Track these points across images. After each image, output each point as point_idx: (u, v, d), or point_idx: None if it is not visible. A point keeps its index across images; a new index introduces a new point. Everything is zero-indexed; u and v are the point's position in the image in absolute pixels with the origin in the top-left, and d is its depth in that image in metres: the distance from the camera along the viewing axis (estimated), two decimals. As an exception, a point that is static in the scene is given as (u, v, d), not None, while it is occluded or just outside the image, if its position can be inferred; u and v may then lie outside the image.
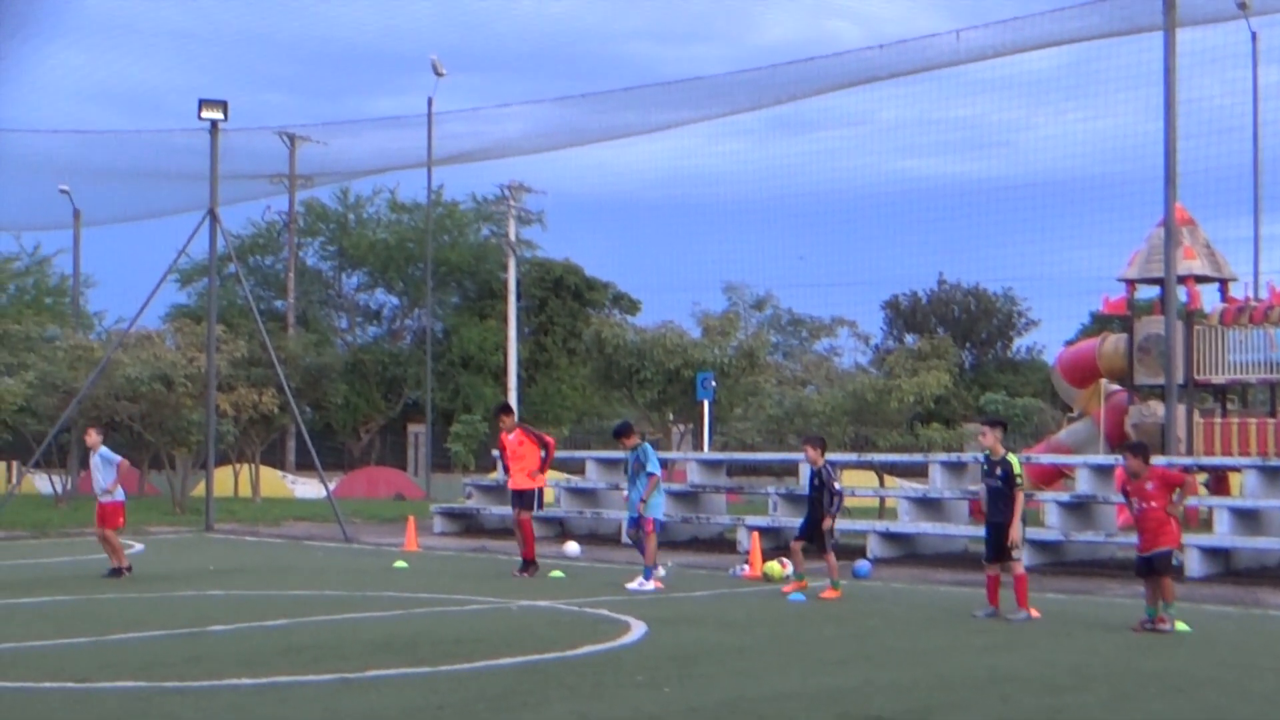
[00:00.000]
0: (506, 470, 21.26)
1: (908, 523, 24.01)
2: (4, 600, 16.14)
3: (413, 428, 60.18)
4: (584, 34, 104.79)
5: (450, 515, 29.85)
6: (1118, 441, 31.60)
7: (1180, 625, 14.11)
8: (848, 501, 30.16)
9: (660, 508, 18.96)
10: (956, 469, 24.75)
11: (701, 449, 35.13)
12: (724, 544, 25.99)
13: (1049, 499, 23.24)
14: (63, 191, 53.41)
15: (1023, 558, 15.20)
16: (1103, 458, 25.53)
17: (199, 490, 36.98)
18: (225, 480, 44.45)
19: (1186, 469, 22.33)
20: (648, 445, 18.74)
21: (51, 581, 18.47)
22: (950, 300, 72.08)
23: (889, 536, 23.96)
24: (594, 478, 28.65)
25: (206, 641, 12.84)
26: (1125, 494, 14.53)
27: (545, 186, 64.48)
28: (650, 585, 18.04)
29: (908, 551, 23.99)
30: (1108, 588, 19.06)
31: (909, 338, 63.57)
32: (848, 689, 10.54)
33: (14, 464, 48.98)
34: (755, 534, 21.90)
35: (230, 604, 15.83)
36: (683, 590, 18.16)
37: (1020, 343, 73.26)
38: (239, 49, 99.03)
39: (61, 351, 39.67)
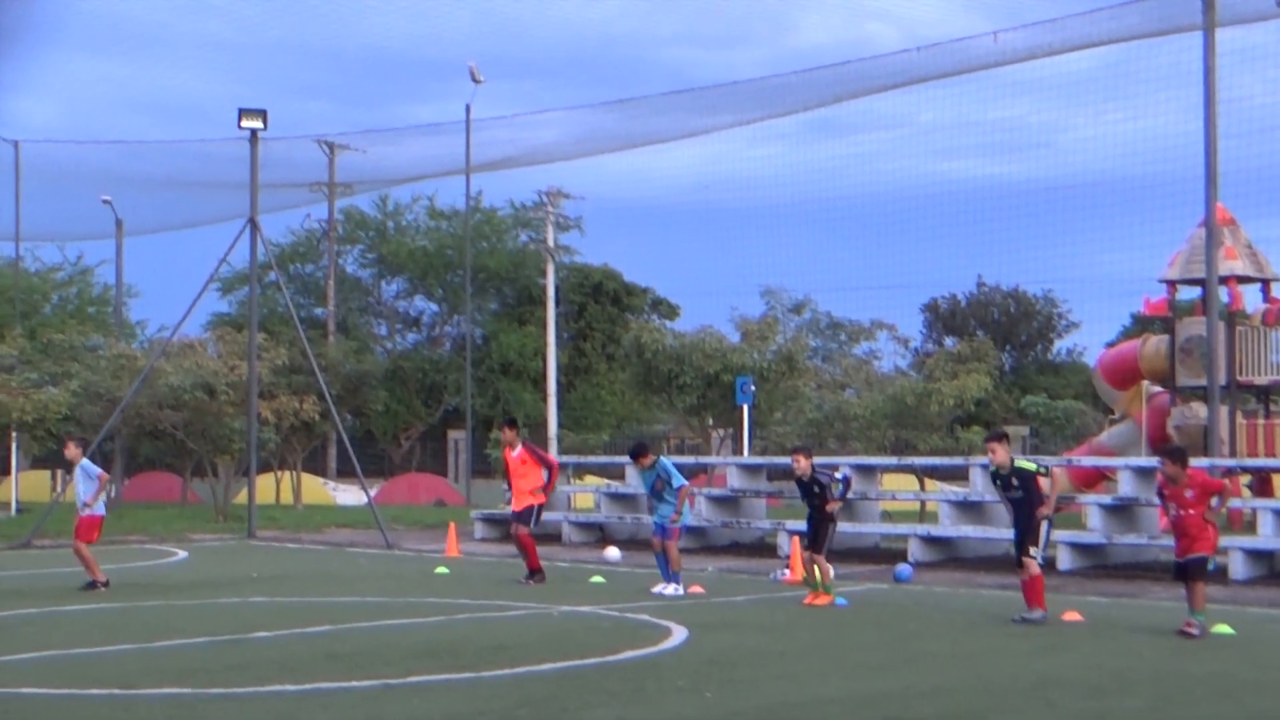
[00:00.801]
0: (509, 487, 20.83)
1: (949, 526, 23.92)
2: (50, 608, 16.26)
3: (453, 434, 60.33)
4: (621, 39, 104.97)
5: (491, 521, 29.89)
6: (1160, 443, 31.43)
7: (1223, 628, 14.02)
8: (889, 505, 30.22)
9: (687, 516, 19.17)
10: (997, 472, 24.62)
11: (741, 453, 35.07)
12: (764, 549, 25.95)
13: (1091, 501, 23.12)
14: (105, 202, 53.79)
15: (1039, 557, 15.03)
16: (1145, 460, 25.39)
17: (241, 497, 37.14)
18: (267, 487, 44.64)
19: (1229, 471, 22.19)
20: (664, 460, 18.74)
21: (97, 589, 18.56)
22: (990, 302, 71.77)
23: (930, 540, 23.88)
24: (634, 483, 28.64)
25: (250, 648, 12.90)
26: (1162, 498, 14.35)
27: (583, 192, 64.49)
28: (679, 591, 18.05)
29: (949, 555, 23.90)
30: (1151, 591, 18.95)
31: (948, 340, 63.28)
32: (889, 694, 10.51)
33: (58, 473, 49.33)
34: (796, 538, 21.84)
35: (273, 611, 15.90)
36: (723, 595, 18.14)
37: (1061, 345, 72.93)
38: (278, 58, 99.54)
39: (105, 360, 39.93)
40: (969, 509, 24.14)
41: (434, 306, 67.03)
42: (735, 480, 27.39)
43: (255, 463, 32.47)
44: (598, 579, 19.96)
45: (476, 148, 49.83)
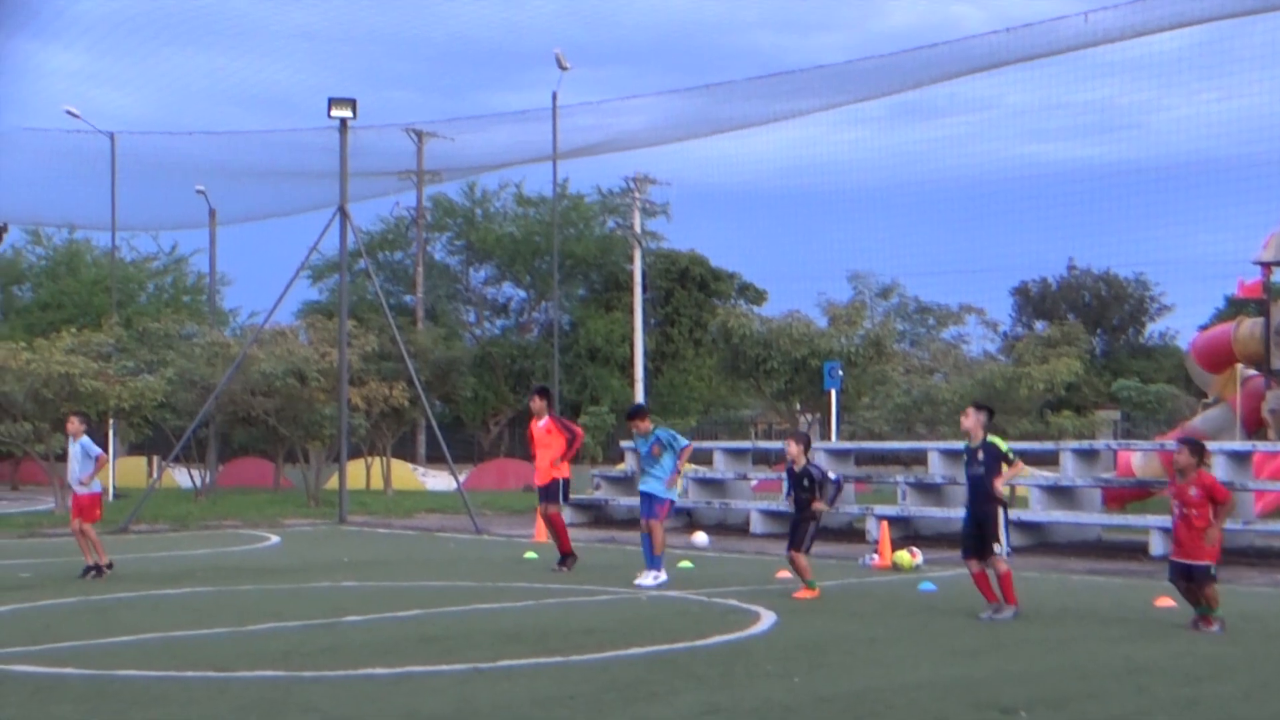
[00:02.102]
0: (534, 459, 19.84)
1: (1039, 511, 23.73)
2: (148, 591, 16.49)
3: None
4: (706, 25, 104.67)
5: (579, 506, 29.99)
6: (1255, 428, 30.99)
7: None
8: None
9: (676, 491, 17.94)
10: (1089, 456, 24.42)
11: (829, 438, 34.95)
12: (853, 534, 25.86)
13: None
14: (199, 192, 54.42)
15: (1004, 551, 13.86)
16: (1240, 444, 25.04)
17: (332, 483, 37.51)
18: (357, 473, 45.04)
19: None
20: (666, 429, 18.06)
21: (192, 573, 18.83)
22: (1081, 286, 71.00)
23: (1020, 525, 23.67)
24: (722, 468, 28.64)
25: (342, 632, 13.02)
26: (1170, 490, 13.39)
27: (669, 178, 64.62)
28: (664, 577, 17.17)
29: (1039, 540, 23.72)
30: (1246, 576, 18.69)
31: (1039, 324, 62.70)
32: (980, 679, 10.44)
33: (154, 459, 50.05)
34: (884, 523, 21.77)
35: (364, 595, 16.04)
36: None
37: (1153, 328, 72.04)
38: (367, 48, 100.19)
39: (199, 348, 40.43)
40: (1059, 494, 23.93)
41: (522, 293, 67.29)
42: (823, 466, 27.28)
43: (346, 448, 32.75)
44: (686, 564, 19.97)
45: (563, 134, 49.90)
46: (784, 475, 16.46)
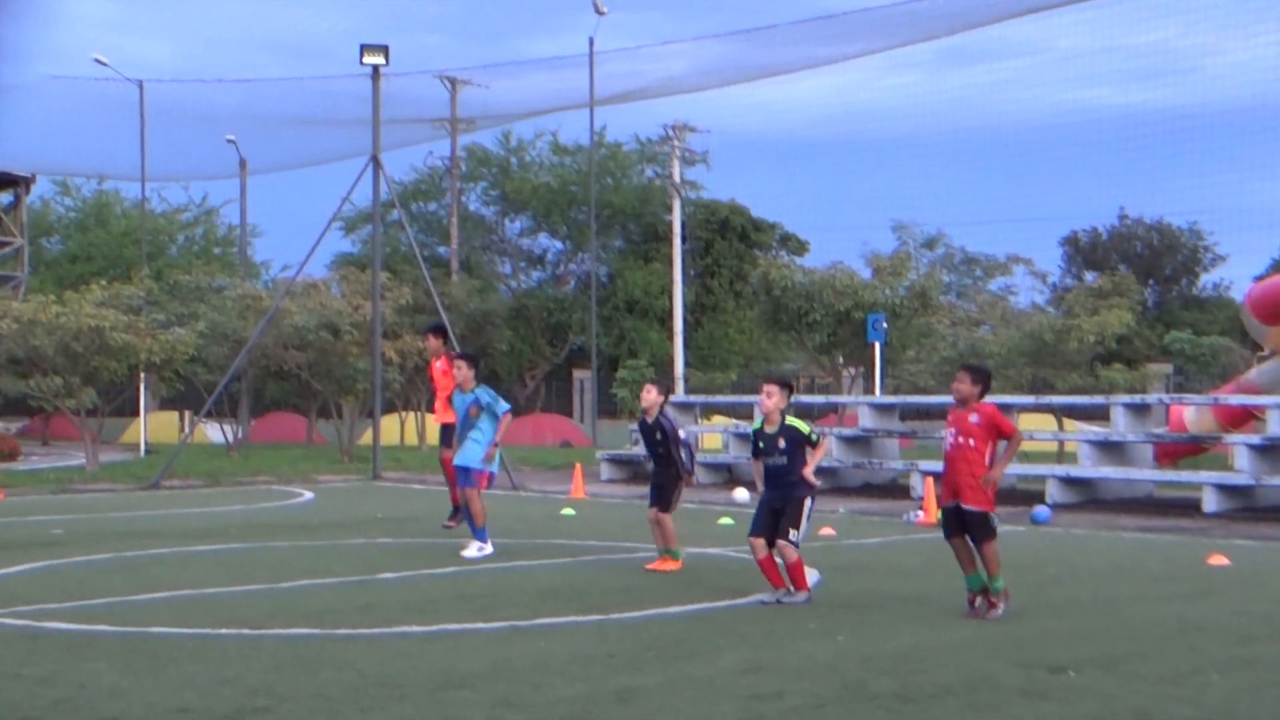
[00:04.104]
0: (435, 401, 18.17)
1: (1089, 467, 23.65)
2: (180, 548, 16.62)
3: (578, 374, 60.67)
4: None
5: (617, 462, 30.07)
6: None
7: None
8: (1026, 445, 29.85)
9: (498, 462, 16.27)
10: (1140, 411, 24.31)
11: (873, 392, 34.89)
12: (897, 490, 25.86)
13: (1239, 442, 22.73)
14: (229, 141, 54.58)
15: (798, 539, 12.19)
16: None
17: (366, 438, 37.71)
18: (391, 428, 45.27)
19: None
20: (488, 389, 15.90)
21: (224, 530, 18.96)
22: (1132, 235, 70.55)
23: (1069, 481, 23.63)
24: (763, 423, 28.62)
25: (376, 589, 13.10)
26: (947, 424, 11.75)
27: (709, 125, 64.47)
28: (489, 549, 15.69)
29: (1089, 497, 23.66)
30: (1302, 534, 18.60)
31: (1089, 275, 62.37)
32: (1028, 638, 10.43)
33: (186, 414, 50.40)
34: (929, 479, 21.75)
35: (399, 552, 16.12)
36: (855, 537, 18.10)
37: (1207, 279, 71.53)
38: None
39: (230, 301, 40.63)
40: (1110, 449, 23.85)
41: (558, 244, 67.32)
42: (867, 420, 27.28)
43: (379, 403, 32.89)
44: (726, 520, 20.00)
45: (600, 81, 49.83)
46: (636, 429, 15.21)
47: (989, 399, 11.78)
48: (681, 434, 14.35)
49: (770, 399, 12.49)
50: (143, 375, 38.47)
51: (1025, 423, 34.12)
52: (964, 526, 11.29)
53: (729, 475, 27.98)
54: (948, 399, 31.39)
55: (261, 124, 55.96)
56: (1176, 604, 12.30)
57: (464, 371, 15.66)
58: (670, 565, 14.30)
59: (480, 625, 10.87)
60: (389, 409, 42.50)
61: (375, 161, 31.76)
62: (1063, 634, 10.66)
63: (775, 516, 12.17)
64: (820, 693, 8.51)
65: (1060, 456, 30.20)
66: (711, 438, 33.51)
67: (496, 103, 56.82)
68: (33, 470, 33.09)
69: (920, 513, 20.49)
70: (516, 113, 59.61)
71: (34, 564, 14.92)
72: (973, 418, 11.28)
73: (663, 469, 14.32)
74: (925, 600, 12.42)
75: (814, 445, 12.31)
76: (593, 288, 53.46)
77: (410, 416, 46.15)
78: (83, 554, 15.88)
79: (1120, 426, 23.91)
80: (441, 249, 63.61)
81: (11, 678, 8.92)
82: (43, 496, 26.12)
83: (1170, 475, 24.46)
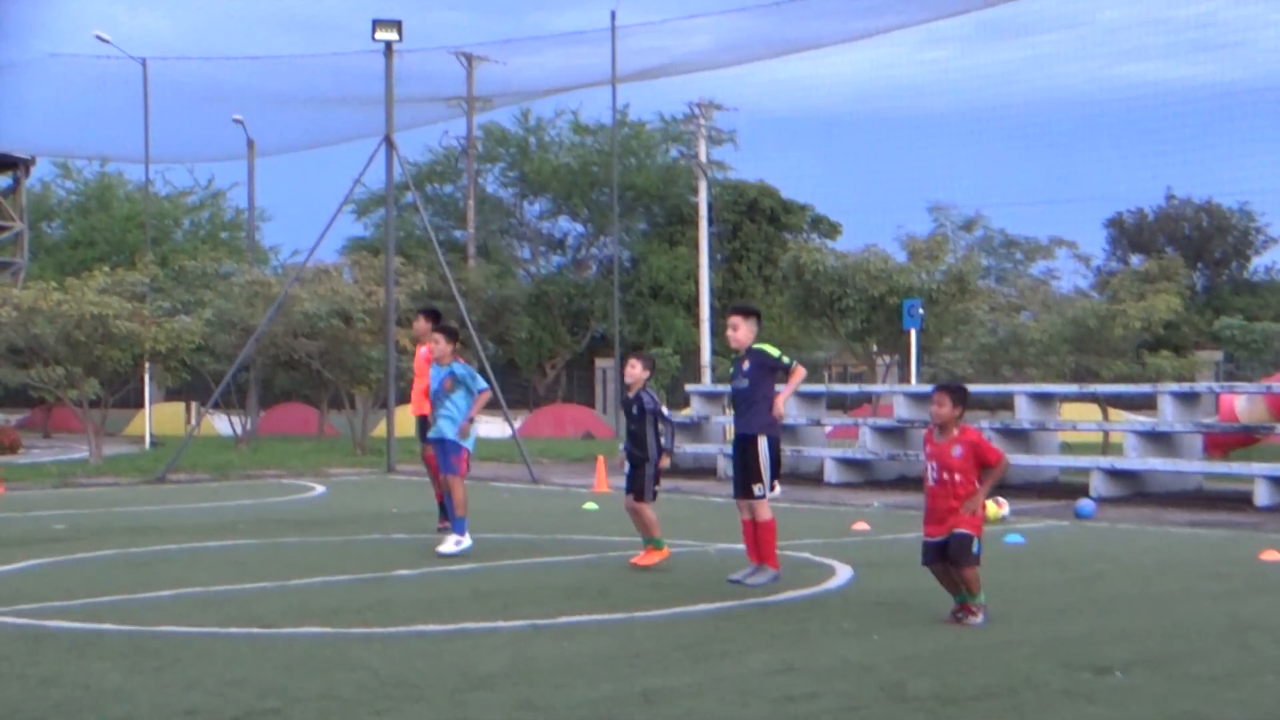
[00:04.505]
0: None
1: (1135, 459, 23.58)
2: (188, 544, 16.67)
3: (600, 363, 60.67)
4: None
5: (642, 454, 30.04)
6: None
7: None
8: (1069, 436, 29.82)
9: (474, 440, 15.87)
10: (1189, 400, 24.22)
11: (909, 381, 34.84)
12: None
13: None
14: (236, 121, 54.66)
15: (765, 491, 11.98)
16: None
17: (380, 430, 37.75)
18: (407, 420, 45.20)
19: None
20: (465, 364, 15.73)
21: (233, 525, 19.01)
22: (1180, 217, 70.28)
23: (1114, 474, 23.57)
24: (794, 413, 28.59)
25: (392, 586, 13.12)
26: (926, 454, 11.23)
27: (737, 103, 64.46)
28: (467, 542, 15.30)
29: (1135, 490, 23.59)
30: (1360, 528, 18.52)
31: (1135, 258, 62.17)
32: (1072, 638, 10.40)
33: (193, 405, 50.53)
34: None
35: (415, 548, 16.14)
36: (890, 532, 18.07)
37: (1258, 262, 71.23)
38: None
39: (238, 288, 40.69)
40: (1157, 440, 23.77)
41: (579, 227, 67.33)
42: (903, 410, 27.23)
43: (394, 393, 32.93)
44: (756, 515, 19.95)
45: (622, 57, 49.81)
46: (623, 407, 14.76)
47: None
48: (665, 411, 14.31)
49: (735, 330, 12.75)
50: (147, 365, 38.58)
51: (1069, 412, 34.06)
52: (944, 551, 10.90)
53: (758, 468, 27.95)
54: (988, 388, 31.38)
55: (270, 103, 56.11)
56: (1228, 601, 12.26)
57: (442, 345, 15.50)
58: (656, 556, 14.14)
59: (500, 624, 10.88)
60: (403, 399, 42.52)
61: (388, 142, 31.79)
62: (1109, 633, 10.64)
63: (742, 468, 12.02)
64: (855, 694, 8.50)
65: (1105, 448, 30.10)
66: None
67: (514, 80, 56.88)
68: (34, 464, 33.22)
69: (959, 507, 20.42)
70: (535, 90, 59.66)
71: (36, 561, 14.98)
72: (955, 451, 10.87)
73: (638, 449, 14.21)
74: (964, 598, 12.40)
75: (788, 371, 12.28)
76: (615, 273, 53.47)
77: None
78: (86, 550, 15.94)
79: (1168, 416, 23.82)
80: (458, 233, 63.69)
81: (14, 678, 8.96)
82: (44, 491, 26.22)
83: (1221, 467, 24.37)
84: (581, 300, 62.83)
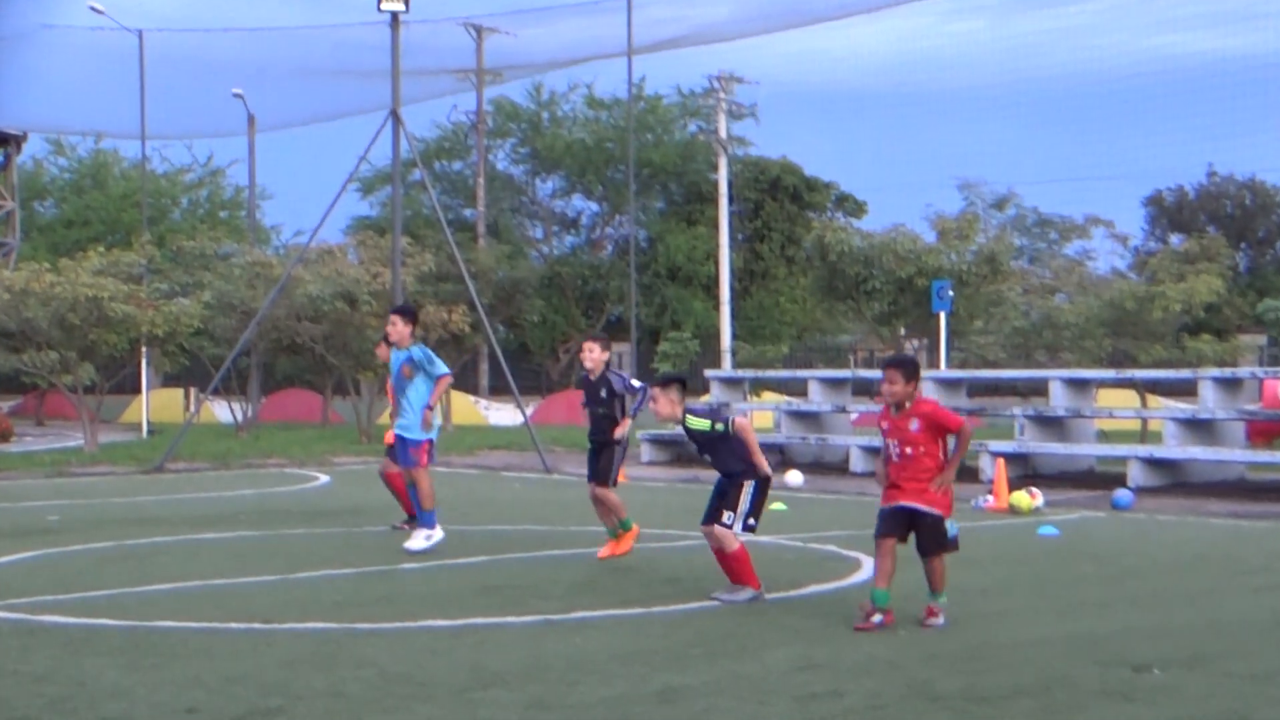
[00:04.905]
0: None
1: (1174, 447, 23.56)
2: (187, 536, 16.72)
3: (616, 347, 60.69)
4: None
5: (659, 443, 30.09)
6: None
7: None
8: (1106, 424, 29.79)
9: (437, 428, 15.70)
10: (1231, 386, 24.19)
11: (938, 366, 34.82)
12: (963, 473, 25.70)
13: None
14: (235, 95, 54.71)
15: (738, 526, 11.75)
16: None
17: (385, 417, 37.80)
18: (414, 406, 45.30)
19: None
20: (423, 346, 15.54)
21: (234, 516, 19.07)
22: (1222, 194, 70.07)
23: (1153, 463, 23.54)
24: (817, 400, 28.60)
25: (398, 580, 13.16)
26: (883, 432, 10.96)
27: (758, 76, 64.48)
28: (437, 536, 15.08)
29: (1174, 480, 23.57)
30: None
31: (1174, 238, 62.03)
32: (1107, 634, 10.41)
33: (192, 391, 50.69)
34: (1000, 461, 21.68)
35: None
36: (918, 524, 18.05)
37: (1304, 241, 71.00)
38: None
39: (239, 269, 40.77)
40: (1198, 428, 23.74)
41: (594, 206, 67.37)
42: (932, 396, 27.20)
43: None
44: (779, 506, 19.98)
45: (639, 27, 49.70)
46: (582, 392, 14.80)
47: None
48: (635, 383, 14.39)
49: (659, 403, 12.05)
50: (144, 349, 38.69)
51: (1105, 399, 34.03)
52: (911, 531, 10.67)
53: (781, 457, 27.96)
54: (1020, 373, 31.32)
55: (271, 76, 56.13)
56: (1271, 596, 12.25)
57: (399, 327, 15.26)
58: (626, 542, 14.28)
59: (511, 619, 10.90)
60: (410, 385, 42.63)
61: (395, 116, 31.80)
62: (1146, 629, 10.64)
63: (719, 499, 11.84)
64: (881, 692, 8.51)
65: (1143, 436, 30.08)
66: (762, 416, 33.48)
67: (526, 52, 56.83)
68: (27, 452, 33.36)
69: (990, 497, 20.44)
70: (548, 62, 59.59)
71: (29, 553, 15.04)
72: (912, 425, 10.62)
73: (602, 430, 14.25)
74: (995, 593, 12.41)
75: (725, 434, 11.79)
76: (631, 253, 53.42)
77: (434, 394, 46.26)
78: (81, 542, 16.00)
79: (1209, 403, 23.79)
80: (467, 211, 63.73)
81: (6, 675, 9.01)
82: (38, 480, 26.32)
83: (1264, 456, 24.34)
84: (596, 282, 62.84)
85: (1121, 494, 20.74)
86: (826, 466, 27.11)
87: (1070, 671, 9.06)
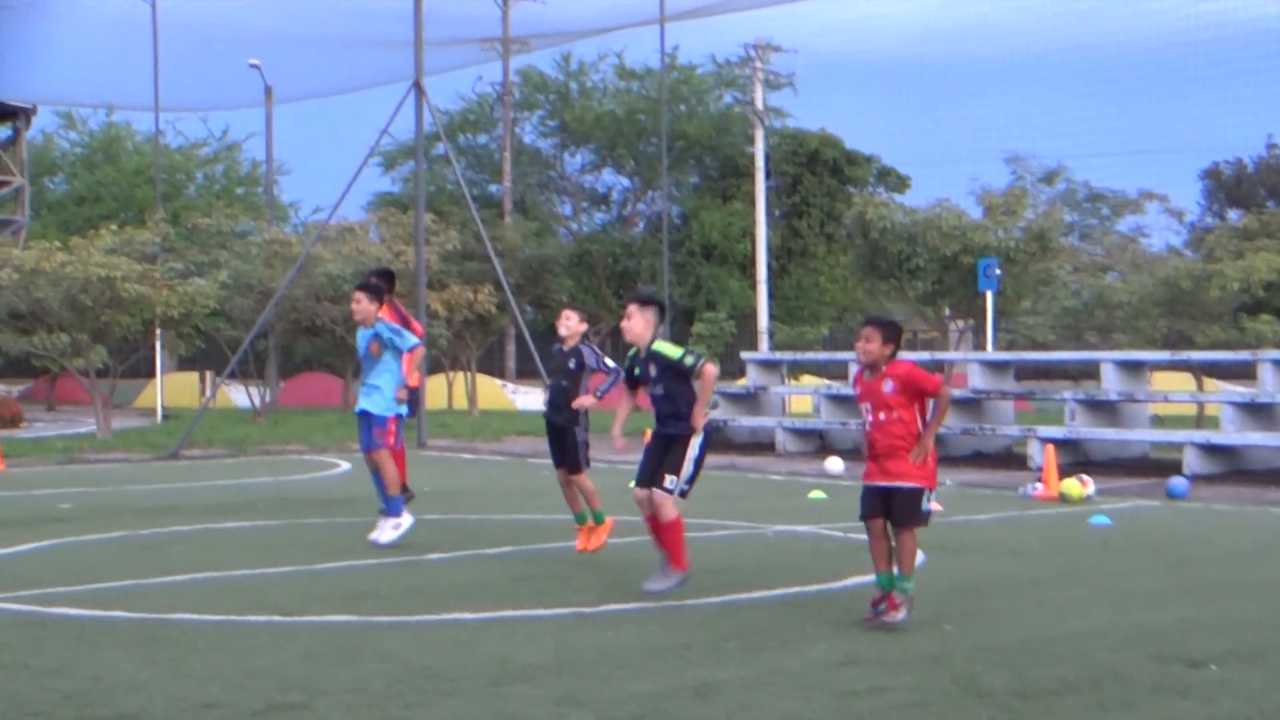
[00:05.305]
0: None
1: (1232, 433, 23.47)
2: (203, 525, 16.79)
3: (648, 328, 60.62)
4: None
5: (693, 428, 30.07)
6: None
7: None
8: (1160, 408, 29.71)
9: (404, 404, 15.17)
10: (1292, 368, 24.09)
11: (984, 348, 34.75)
12: (1012, 459, 25.75)
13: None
14: (252, 66, 54.80)
15: (678, 489, 11.54)
16: None
17: (410, 401, 37.87)
18: (438, 391, 45.47)
19: None
20: (388, 322, 15.07)
21: (252, 505, 19.14)
22: (1283, 167, 69.80)
23: (1210, 449, 23.47)
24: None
25: (423, 571, 13.19)
26: (858, 396, 10.88)
27: (796, 45, 64.18)
28: (406, 523, 14.80)
29: (1232, 467, 23.50)
30: None
31: (1232, 213, 61.78)
32: (1162, 627, 10.39)
33: (208, 374, 50.86)
34: (1050, 447, 21.65)
35: (448, 529, 16.21)
36: (964, 513, 18.06)
37: (1371, 217, 70.63)
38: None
39: (256, 247, 40.87)
40: (1257, 412, 23.65)
41: (625, 181, 67.31)
42: (978, 380, 27.16)
43: (425, 363, 33.04)
44: (818, 494, 20.00)
45: (672, -6, 49.60)
46: (552, 362, 14.36)
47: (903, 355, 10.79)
48: (610, 363, 13.93)
49: (630, 319, 11.90)
50: (159, 332, 38.82)
51: (1160, 382, 33.91)
52: (888, 506, 10.47)
53: (821, 443, 27.95)
54: (1070, 355, 31.22)
55: (289, 46, 56.33)
56: (1334, 589, 12.23)
57: (364, 304, 14.93)
58: (600, 535, 14.01)
59: (540, 611, 10.93)
60: (435, 369, 42.77)
61: (418, 88, 31.83)
62: (1203, 623, 10.62)
63: (660, 459, 11.58)
64: (925, 688, 8.51)
65: (1200, 421, 29.98)
66: (800, 400, 33.46)
67: (554, 20, 56.96)
68: (38, 438, 33.50)
69: (1039, 485, 20.41)
70: (577, 31, 59.57)
71: (40, 543, 15.11)
72: (886, 387, 10.41)
73: (561, 406, 13.87)
74: (1045, 584, 12.40)
75: (696, 373, 11.48)
76: (664, 230, 53.39)
77: (459, 377, 46.37)
78: (94, 532, 16.07)
79: (1269, 386, 23.70)
80: (493, 187, 63.77)
81: (19, 669, 9.06)
82: (49, 467, 26.44)
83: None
84: (627, 260, 62.80)
85: (1177, 482, 20.69)
86: (868, 453, 27.08)
87: (1123, 666, 9.05)
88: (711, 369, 11.62)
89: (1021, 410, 30.19)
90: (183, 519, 17.38)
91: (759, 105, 55.03)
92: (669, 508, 11.46)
